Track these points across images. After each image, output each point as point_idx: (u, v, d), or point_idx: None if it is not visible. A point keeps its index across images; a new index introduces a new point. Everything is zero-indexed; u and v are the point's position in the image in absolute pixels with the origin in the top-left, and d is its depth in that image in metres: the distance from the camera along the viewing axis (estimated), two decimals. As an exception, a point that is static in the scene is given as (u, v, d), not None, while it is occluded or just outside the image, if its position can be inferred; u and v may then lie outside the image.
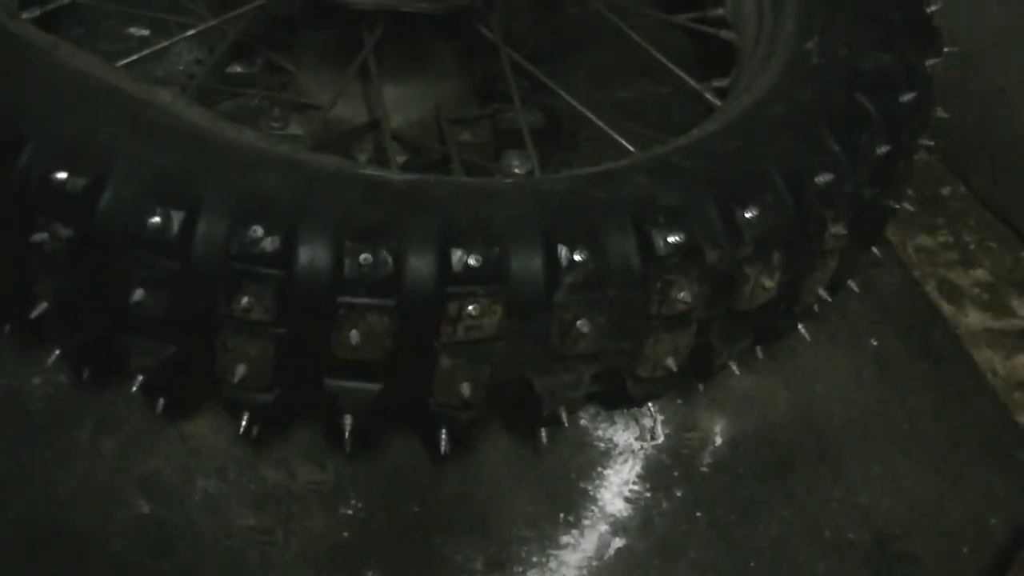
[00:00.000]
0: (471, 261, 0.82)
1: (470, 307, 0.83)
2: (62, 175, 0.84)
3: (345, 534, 1.14)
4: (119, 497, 1.12)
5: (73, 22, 1.26)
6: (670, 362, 0.93)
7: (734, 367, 1.06)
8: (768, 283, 0.95)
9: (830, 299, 1.07)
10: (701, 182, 0.92)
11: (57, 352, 0.94)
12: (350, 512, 1.15)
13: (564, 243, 0.84)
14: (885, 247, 1.32)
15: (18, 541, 1.09)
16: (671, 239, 0.87)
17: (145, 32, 1.37)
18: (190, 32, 1.14)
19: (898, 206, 1.13)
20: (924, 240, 1.57)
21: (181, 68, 1.34)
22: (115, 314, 0.86)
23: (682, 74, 1.16)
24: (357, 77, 1.14)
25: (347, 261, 0.81)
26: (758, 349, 1.07)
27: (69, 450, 1.14)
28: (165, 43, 1.17)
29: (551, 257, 0.84)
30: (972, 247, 1.59)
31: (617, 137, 1.08)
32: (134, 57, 1.06)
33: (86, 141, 0.86)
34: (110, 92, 0.92)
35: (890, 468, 1.35)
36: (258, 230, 0.81)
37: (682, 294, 0.89)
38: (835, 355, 1.39)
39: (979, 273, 1.57)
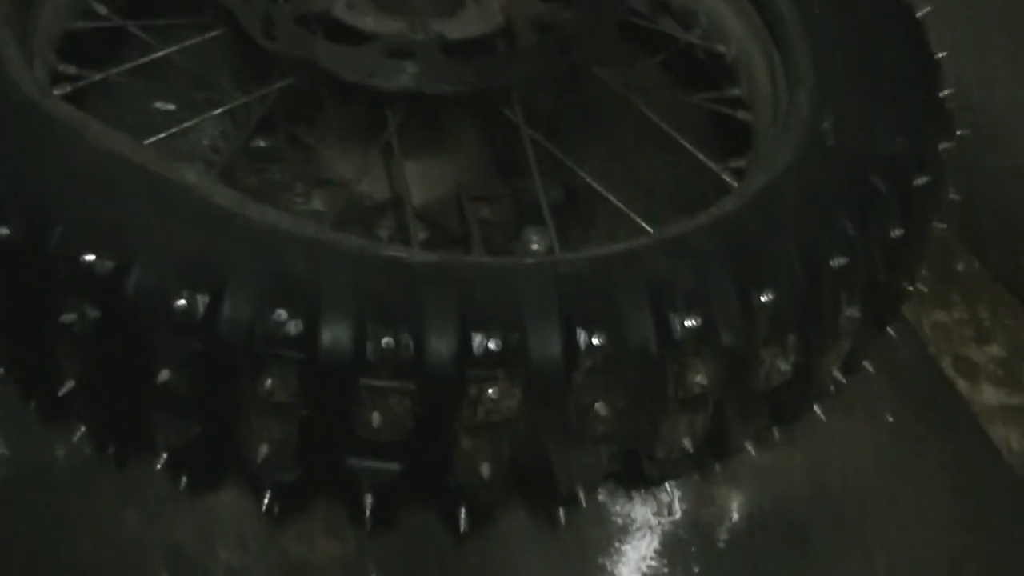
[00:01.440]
0: (491, 345, 0.83)
1: (490, 390, 0.84)
2: (90, 257, 0.85)
3: (366, 607, 1.15)
4: (143, 568, 1.13)
5: (100, 96, 1.28)
6: (687, 443, 0.95)
7: (750, 447, 1.07)
8: (783, 365, 0.96)
9: (845, 380, 1.08)
10: (718, 265, 0.93)
11: (83, 428, 0.96)
12: (370, 585, 1.16)
13: (583, 327, 0.85)
14: (901, 323, 1.33)
15: (42, 612, 1.10)
16: (688, 323, 0.89)
17: (171, 107, 1.39)
18: (217, 111, 1.16)
19: (912, 288, 1.14)
20: (939, 316, 1.58)
21: (205, 142, 1.36)
22: (141, 392, 0.88)
23: (699, 154, 1.18)
24: (379, 154, 1.15)
25: (369, 345, 0.83)
26: (774, 429, 1.08)
27: (93, 521, 1.15)
28: (192, 122, 1.19)
29: (570, 341, 0.85)
30: (987, 323, 1.60)
31: (634, 216, 1.09)
32: (162, 135, 1.08)
33: (114, 223, 0.88)
34: (138, 173, 0.94)
35: (907, 541, 1.35)
36: (282, 314, 0.83)
37: (699, 377, 0.90)
38: (852, 430, 1.40)
39: (994, 349, 1.58)
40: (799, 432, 1.36)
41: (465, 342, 0.83)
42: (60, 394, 0.90)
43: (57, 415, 0.98)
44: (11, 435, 1.17)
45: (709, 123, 1.38)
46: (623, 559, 1.22)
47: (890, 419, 1.44)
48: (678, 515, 1.27)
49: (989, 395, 1.54)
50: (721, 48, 1.37)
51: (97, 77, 1.18)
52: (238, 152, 1.19)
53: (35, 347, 0.92)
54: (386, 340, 0.83)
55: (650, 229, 1.05)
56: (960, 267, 1.65)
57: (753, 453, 1.10)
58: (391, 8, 1.18)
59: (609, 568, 1.21)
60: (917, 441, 1.42)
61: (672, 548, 1.25)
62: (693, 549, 1.26)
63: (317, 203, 1.23)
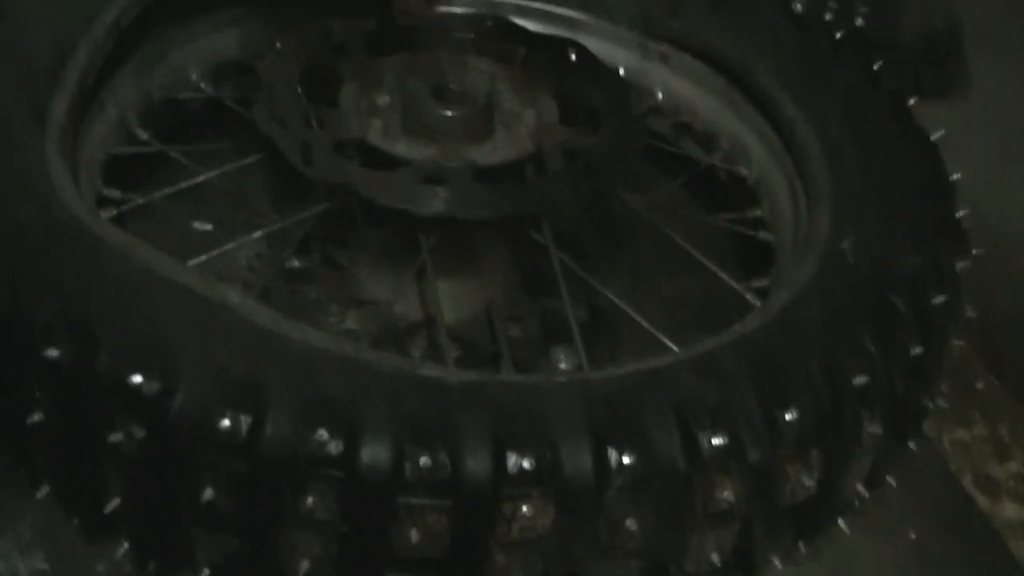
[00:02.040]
0: (525, 464, 0.86)
1: (524, 508, 0.86)
2: (137, 379, 0.88)
3: None
4: None
5: (141, 216, 1.32)
6: (714, 558, 0.96)
7: (776, 561, 1.08)
8: (808, 481, 0.99)
9: (868, 494, 1.09)
10: (744, 383, 0.96)
11: (125, 545, 0.98)
12: None
13: (614, 446, 0.88)
14: (922, 439, 1.35)
15: None
16: (716, 441, 0.91)
17: (208, 227, 1.43)
18: (257, 234, 1.19)
19: (932, 404, 1.16)
20: (960, 433, 1.60)
21: (243, 262, 1.40)
22: (184, 510, 0.90)
23: (722, 274, 1.21)
24: (412, 275, 1.19)
25: (407, 464, 0.85)
26: (800, 544, 1.09)
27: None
28: (232, 244, 1.23)
29: (601, 460, 0.88)
30: (1007, 440, 1.62)
31: (659, 335, 1.12)
32: (203, 257, 1.12)
33: (160, 345, 0.91)
34: (183, 294, 0.97)
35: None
36: (323, 434, 0.85)
37: (726, 493, 0.93)
38: (875, 545, 1.41)
39: (1014, 466, 1.59)
40: (823, 547, 1.38)
41: (500, 461, 0.86)
42: (105, 511, 0.92)
43: (100, 532, 0.99)
44: (52, 551, 1.19)
45: (731, 243, 1.42)
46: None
47: (912, 535, 1.46)
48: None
49: (1010, 511, 1.54)
50: (742, 170, 1.42)
51: (140, 201, 1.22)
52: (275, 273, 1.22)
53: (81, 465, 0.95)
54: (423, 460, 0.85)
55: (675, 347, 1.08)
56: (980, 385, 1.67)
57: (779, 567, 1.11)
58: (423, 135, 1.23)
59: None
60: (939, 558, 1.43)
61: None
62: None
63: (351, 323, 1.26)
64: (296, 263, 1.32)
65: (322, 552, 0.89)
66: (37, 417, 0.94)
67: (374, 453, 0.86)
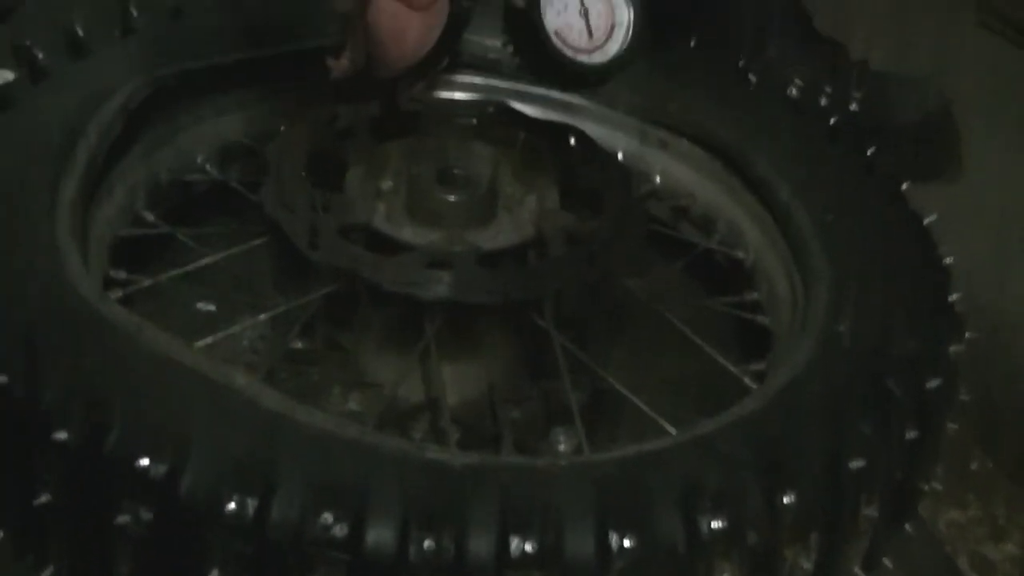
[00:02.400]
0: (528, 548, 0.87)
1: (526, 589, 0.88)
2: (145, 461, 0.90)
3: None
4: None
5: (146, 298, 1.34)
6: (714, 639, 0.97)
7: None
8: (806, 564, 1.00)
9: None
10: (744, 467, 0.97)
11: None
12: None
13: (615, 530, 0.89)
14: (917, 521, 1.36)
15: None
16: (716, 525, 0.92)
17: (212, 307, 1.45)
18: (262, 316, 1.21)
19: (928, 486, 1.17)
20: (955, 515, 1.61)
21: (245, 343, 1.41)
22: (191, 592, 0.91)
23: (719, 358, 1.23)
24: (416, 358, 1.20)
25: (412, 547, 0.86)
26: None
27: None
28: (238, 327, 1.25)
29: (603, 543, 0.89)
30: (1002, 521, 1.63)
31: (658, 418, 1.13)
32: (208, 340, 1.13)
33: (168, 427, 0.93)
34: (190, 376, 0.98)
35: None
36: (329, 517, 0.87)
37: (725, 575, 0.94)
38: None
39: (1010, 547, 1.60)
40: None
41: (503, 544, 0.87)
42: (112, 593, 0.93)
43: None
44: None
45: (729, 326, 1.44)
46: None
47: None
48: None
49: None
50: (740, 254, 1.44)
51: (147, 283, 1.24)
52: (279, 355, 1.24)
53: (88, 547, 0.96)
54: (428, 543, 0.86)
55: (672, 430, 1.09)
56: (974, 466, 1.68)
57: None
58: (428, 219, 1.25)
59: None
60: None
61: None
62: None
63: (354, 404, 1.27)
64: (299, 344, 1.34)
65: (328, 633, 0.89)
66: (44, 499, 0.95)
67: (379, 536, 0.87)
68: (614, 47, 1.19)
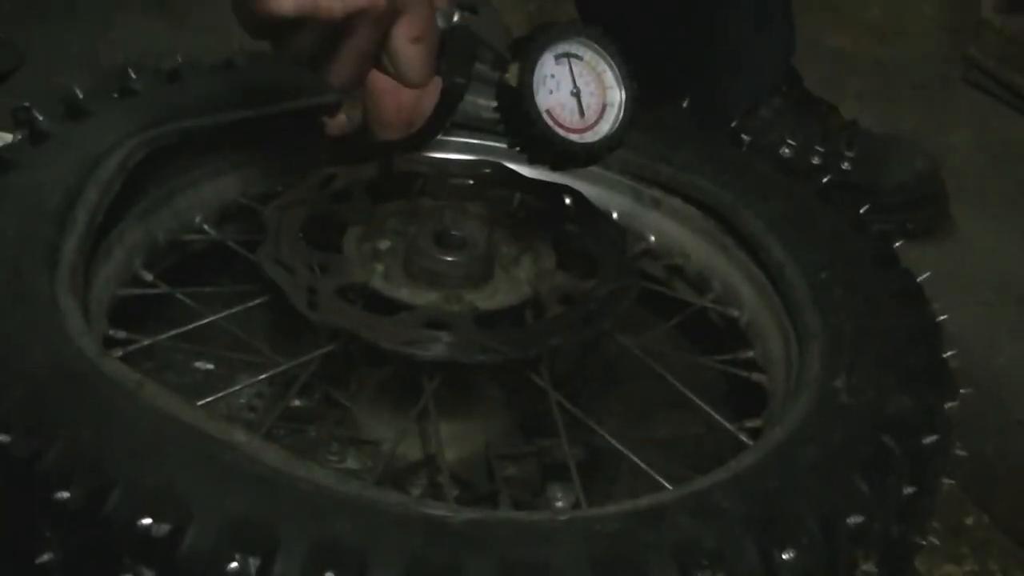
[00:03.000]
0: (528, 606, 0.87)
1: (527, 649, 0.88)
2: (147, 520, 0.90)
3: None
4: None
5: (144, 358, 1.35)
6: None
7: None
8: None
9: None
10: (740, 524, 0.98)
11: None
12: None
13: (615, 588, 0.90)
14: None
15: None
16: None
17: (210, 366, 1.46)
18: (263, 376, 1.22)
19: (924, 541, 1.18)
20: (950, 569, 1.61)
21: (242, 400, 1.42)
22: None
23: (715, 415, 1.24)
24: (414, 416, 1.21)
25: (413, 607, 0.87)
26: None
27: None
28: (239, 386, 1.26)
29: (602, 602, 0.89)
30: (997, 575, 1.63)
31: (654, 474, 1.14)
32: (210, 398, 1.14)
33: (169, 486, 0.93)
34: (191, 434, 0.99)
35: None
36: (331, 576, 0.87)
37: (724, 633, 0.94)
38: None
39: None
40: None
41: (504, 602, 0.87)
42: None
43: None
44: None
45: (724, 384, 1.45)
46: None
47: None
48: None
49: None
50: (734, 312, 1.45)
51: (146, 342, 1.25)
52: (277, 414, 1.24)
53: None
54: (429, 601, 0.87)
55: (669, 486, 1.10)
56: (969, 521, 1.68)
57: None
58: (425, 280, 1.26)
59: None
60: None
61: None
62: None
63: (352, 462, 1.27)
64: (297, 403, 1.34)
65: None
66: (46, 557, 0.95)
67: (380, 595, 0.87)
68: (605, 127, 1.19)
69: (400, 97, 1.27)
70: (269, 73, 1.55)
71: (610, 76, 1.19)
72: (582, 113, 1.18)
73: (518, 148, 1.18)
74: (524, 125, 1.15)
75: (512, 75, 1.14)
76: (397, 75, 1.17)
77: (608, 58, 1.19)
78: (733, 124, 1.59)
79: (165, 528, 0.90)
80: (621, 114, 1.19)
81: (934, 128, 2.44)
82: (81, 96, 1.41)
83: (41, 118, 1.36)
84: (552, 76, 1.16)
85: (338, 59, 1.14)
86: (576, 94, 1.17)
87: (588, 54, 1.18)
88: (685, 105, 1.62)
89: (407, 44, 1.15)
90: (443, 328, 1.18)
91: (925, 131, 2.38)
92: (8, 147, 1.34)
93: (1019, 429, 1.70)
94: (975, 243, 2.13)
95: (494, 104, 1.19)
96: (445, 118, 1.27)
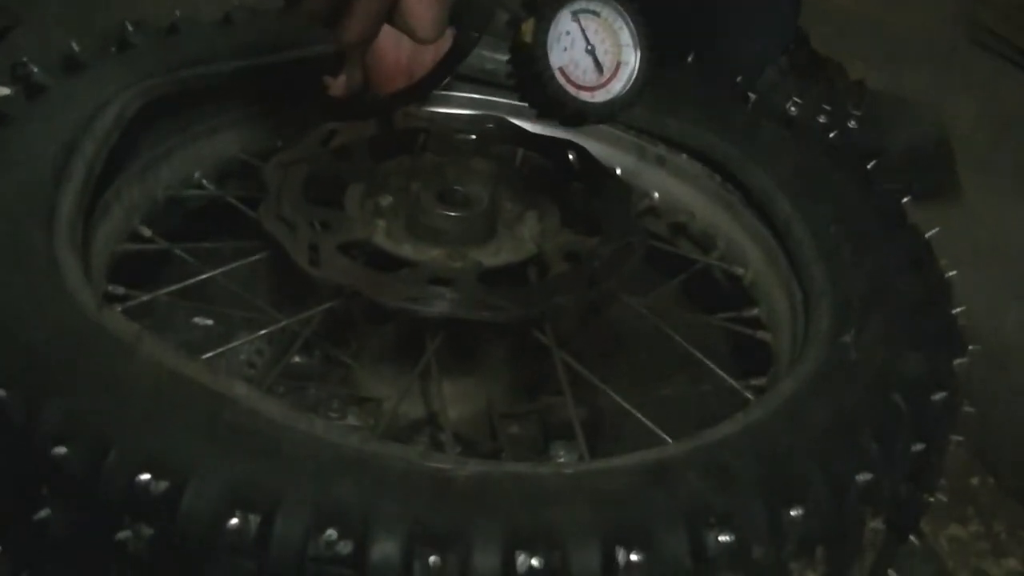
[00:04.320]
0: (534, 563, 0.86)
1: (532, 605, 0.86)
2: (145, 477, 0.89)
3: None
4: None
5: (143, 315, 1.33)
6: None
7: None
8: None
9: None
10: (749, 483, 0.96)
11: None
12: None
13: (621, 545, 0.88)
14: (919, 538, 1.35)
15: None
16: (721, 540, 0.91)
17: (209, 322, 1.44)
18: (262, 332, 1.20)
19: (932, 499, 1.17)
20: (956, 530, 1.60)
21: (242, 357, 1.41)
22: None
23: (720, 372, 1.22)
24: (416, 374, 1.19)
25: (416, 564, 0.85)
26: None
27: None
28: (237, 343, 1.24)
29: (609, 559, 0.88)
30: (1003, 537, 1.62)
31: (659, 432, 1.12)
32: (209, 354, 1.12)
33: (168, 443, 0.92)
34: (190, 388, 0.97)
35: None
36: (333, 534, 0.85)
37: (731, 591, 0.93)
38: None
39: (1011, 563, 1.60)
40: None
41: (509, 561, 0.86)
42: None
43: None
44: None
45: (729, 343, 1.43)
46: None
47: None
48: None
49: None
50: (739, 270, 1.44)
51: (145, 298, 1.23)
52: (277, 371, 1.23)
53: (87, 563, 0.95)
54: (433, 559, 0.85)
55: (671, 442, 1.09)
56: (975, 482, 1.68)
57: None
58: (428, 236, 1.24)
59: None
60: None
61: None
62: None
63: (352, 420, 1.26)
64: (297, 359, 1.33)
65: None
66: (44, 514, 0.94)
67: (384, 553, 0.86)
68: (618, 86, 1.17)
69: (400, 51, 1.26)
70: (268, 27, 1.52)
71: (626, 34, 1.16)
72: (596, 71, 1.16)
73: (529, 105, 1.16)
74: (536, 84, 1.13)
75: (527, 32, 1.12)
76: (409, 31, 1.15)
77: (625, 16, 1.16)
78: (739, 80, 1.56)
79: (163, 485, 0.89)
80: (636, 73, 1.17)
81: (942, 91, 2.42)
82: (78, 50, 1.39)
83: (37, 71, 1.34)
84: (567, 33, 1.13)
85: (351, 16, 1.12)
86: (591, 51, 1.15)
87: (605, 11, 1.16)
88: (691, 61, 1.60)
89: (419, 0, 1.13)
90: (446, 285, 1.16)
91: (932, 94, 2.36)
92: (4, 100, 1.31)
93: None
94: (981, 208, 2.11)
95: (501, 57, 1.17)
96: (450, 70, 1.25)
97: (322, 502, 0.88)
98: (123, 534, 0.90)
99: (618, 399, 1.20)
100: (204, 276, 1.28)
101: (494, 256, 1.25)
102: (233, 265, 1.30)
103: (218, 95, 1.47)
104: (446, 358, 1.20)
